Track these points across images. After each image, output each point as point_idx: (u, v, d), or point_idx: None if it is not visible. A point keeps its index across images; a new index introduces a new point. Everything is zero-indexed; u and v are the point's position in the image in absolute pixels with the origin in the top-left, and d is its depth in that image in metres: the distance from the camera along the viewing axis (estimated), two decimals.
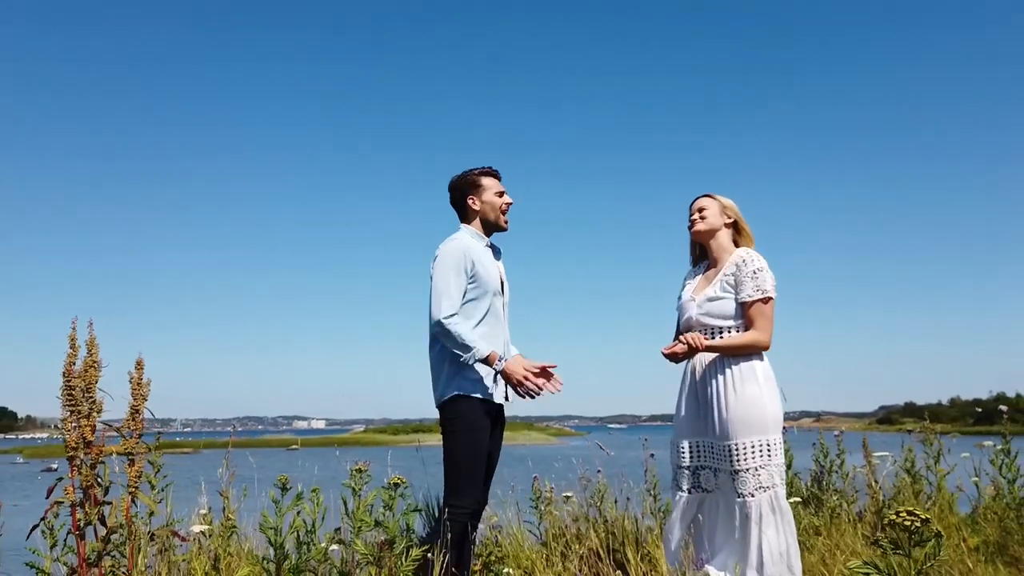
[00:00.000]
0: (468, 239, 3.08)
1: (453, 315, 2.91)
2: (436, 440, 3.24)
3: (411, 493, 2.60)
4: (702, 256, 3.19)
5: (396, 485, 2.45)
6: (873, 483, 4.61)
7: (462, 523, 2.82)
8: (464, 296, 2.98)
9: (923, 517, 1.04)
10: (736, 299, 2.92)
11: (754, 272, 2.90)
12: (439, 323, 2.91)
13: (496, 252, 3.21)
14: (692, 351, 2.91)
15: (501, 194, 3.15)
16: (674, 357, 2.98)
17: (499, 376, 2.97)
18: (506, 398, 3.08)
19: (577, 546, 3.63)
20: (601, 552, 3.26)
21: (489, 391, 2.98)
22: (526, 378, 2.88)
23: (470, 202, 3.13)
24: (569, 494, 4.39)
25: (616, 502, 4.15)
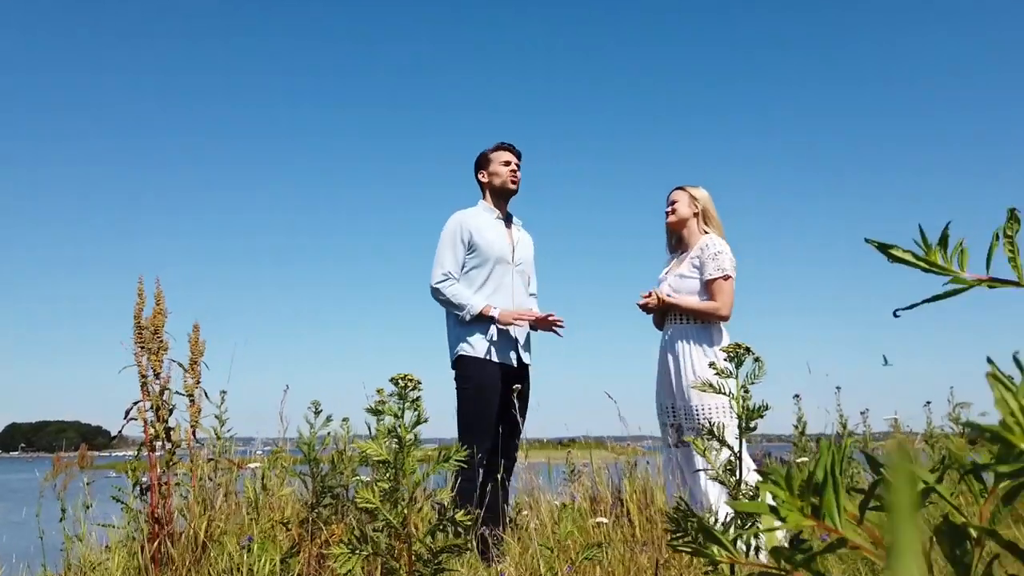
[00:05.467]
0: (471, 212, 3.41)
1: (444, 280, 3.26)
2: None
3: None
4: (680, 244, 3.57)
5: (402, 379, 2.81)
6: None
7: (467, 472, 3.02)
8: (465, 265, 3.32)
9: (745, 347, 1.36)
10: (700, 279, 3.31)
11: (715, 255, 3.30)
12: (432, 289, 3.29)
13: (509, 221, 3.50)
14: (659, 305, 3.34)
15: (507, 163, 3.45)
16: (645, 308, 3.39)
17: (497, 334, 3.27)
18: (518, 360, 3.37)
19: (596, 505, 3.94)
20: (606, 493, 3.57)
21: (497, 351, 3.27)
22: (516, 318, 3.23)
23: (480, 177, 3.50)
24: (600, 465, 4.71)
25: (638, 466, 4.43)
